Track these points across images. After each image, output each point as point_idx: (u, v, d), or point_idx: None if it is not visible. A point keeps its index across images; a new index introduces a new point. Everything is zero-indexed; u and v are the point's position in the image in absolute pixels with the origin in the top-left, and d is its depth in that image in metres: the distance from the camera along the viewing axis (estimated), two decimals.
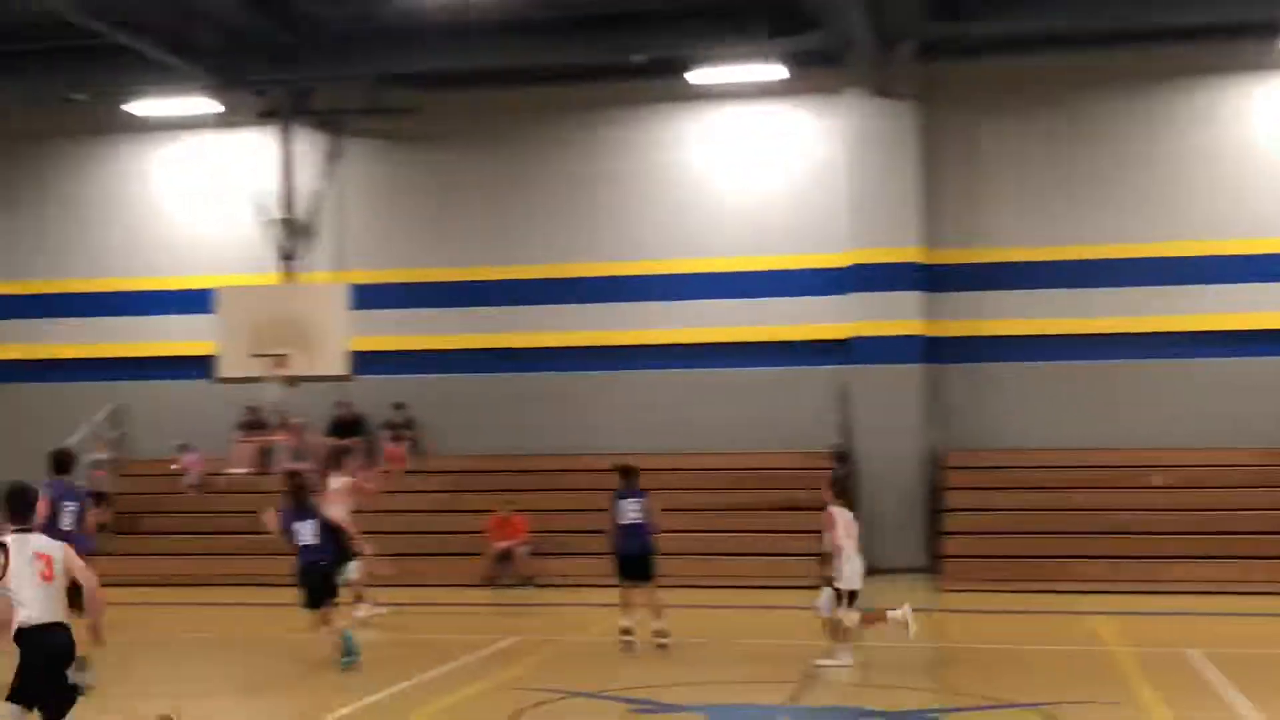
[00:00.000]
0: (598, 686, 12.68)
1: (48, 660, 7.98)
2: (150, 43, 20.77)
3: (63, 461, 13.89)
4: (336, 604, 14.29)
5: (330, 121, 24.10)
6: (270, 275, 23.48)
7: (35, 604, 7.98)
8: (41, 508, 12.20)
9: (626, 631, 14.36)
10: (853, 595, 13.33)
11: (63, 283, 25.67)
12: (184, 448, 24.11)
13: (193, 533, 23.00)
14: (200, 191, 25.28)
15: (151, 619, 18.15)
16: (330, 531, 14.36)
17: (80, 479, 13.69)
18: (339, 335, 21.55)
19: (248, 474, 24.01)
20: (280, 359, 21.47)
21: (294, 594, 14.03)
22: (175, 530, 23.24)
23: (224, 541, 22.17)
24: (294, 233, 23.56)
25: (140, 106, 23.97)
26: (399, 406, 24.21)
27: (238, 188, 24.00)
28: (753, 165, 23.95)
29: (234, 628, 17.71)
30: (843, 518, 13.42)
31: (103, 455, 23.80)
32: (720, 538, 21.38)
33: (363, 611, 16.90)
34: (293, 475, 15.74)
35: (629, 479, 14.65)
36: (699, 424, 23.52)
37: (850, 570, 13.28)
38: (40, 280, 25.76)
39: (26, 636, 7.96)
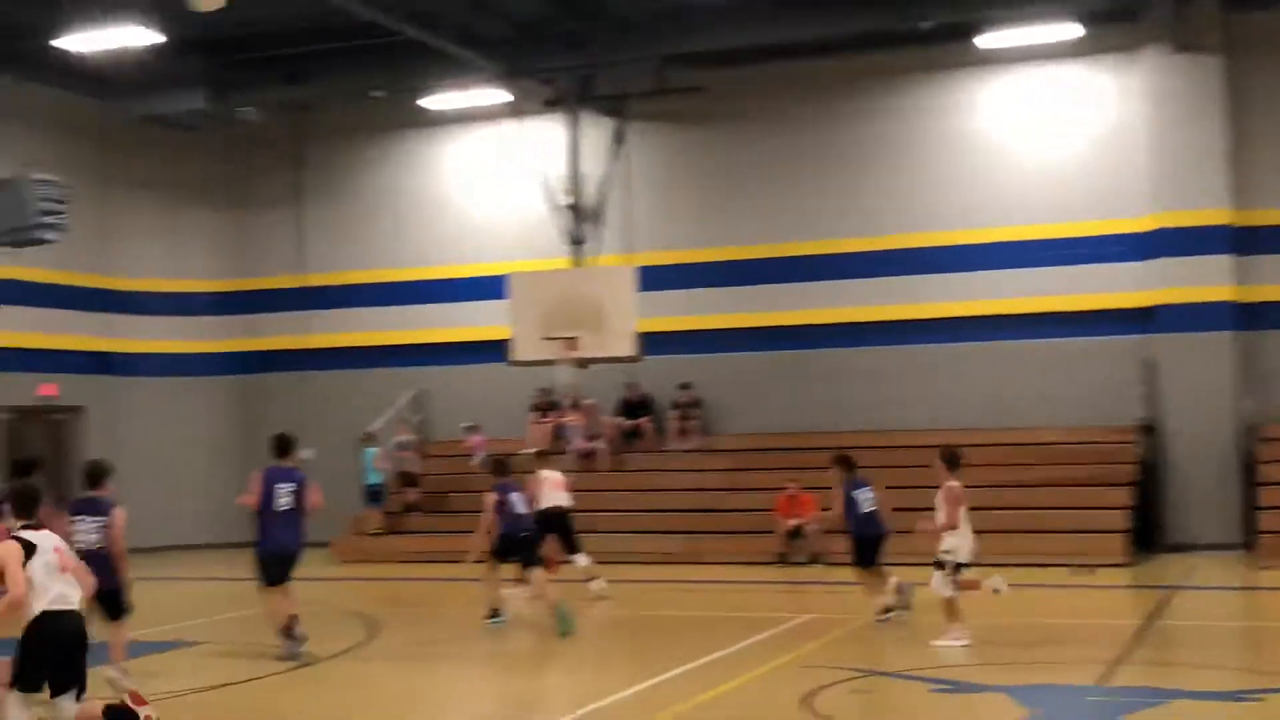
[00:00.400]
0: (894, 666, 12.45)
1: (68, 644, 8.63)
2: (443, 37, 21.37)
3: (281, 446, 14.09)
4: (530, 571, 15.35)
5: (615, 106, 24.35)
6: (560, 260, 23.90)
7: (52, 593, 8.59)
8: (254, 488, 12.75)
9: (886, 610, 14.57)
10: (959, 568, 13.19)
11: (370, 273, 26.74)
12: (471, 429, 24.80)
13: (480, 511, 23.51)
14: (492, 181, 25.97)
15: (447, 594, 18.73)
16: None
17: (293, 462, 14.01)
18: (627, 317, 21.76)
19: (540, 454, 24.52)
20: (571, 341, 21.83)
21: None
22: (471, 509, 23.87)
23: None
24: (582, 217, 23.91)
25: (434, 100, 24.72)
26: (684, 386, 24.34)
27: (527, 175, 24.51)
28: (1048, 129, 23.13)
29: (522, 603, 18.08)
30: (958, 491, 13.21)
31: (408, 437, 24.71)
32: (1026, 515, 20.65)
33: (595, 585, 17.49)
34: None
35: (853, 469, 15.09)
36: (994, 398, 22.90)
37: (963, 544, 13.18)
38: (350, 271, 26.89)
39: (46, 623, 8.53)
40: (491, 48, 22.32)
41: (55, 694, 8.55)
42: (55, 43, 20.73)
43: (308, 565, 22.44)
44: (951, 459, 13.36)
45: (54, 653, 8.55)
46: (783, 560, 21.03)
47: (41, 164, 22.75)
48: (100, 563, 10.78)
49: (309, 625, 15.58)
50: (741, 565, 20.72)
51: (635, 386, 24.48)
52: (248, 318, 27.63)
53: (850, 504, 14.79)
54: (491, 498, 15.48)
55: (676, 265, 24.47)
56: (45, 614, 8.50)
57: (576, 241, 23.89)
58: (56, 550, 8.75)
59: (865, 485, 14.95)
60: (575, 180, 23.87)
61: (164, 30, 20.52)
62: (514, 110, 24.23)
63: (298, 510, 13.72)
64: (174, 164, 27.09)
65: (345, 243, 26.99)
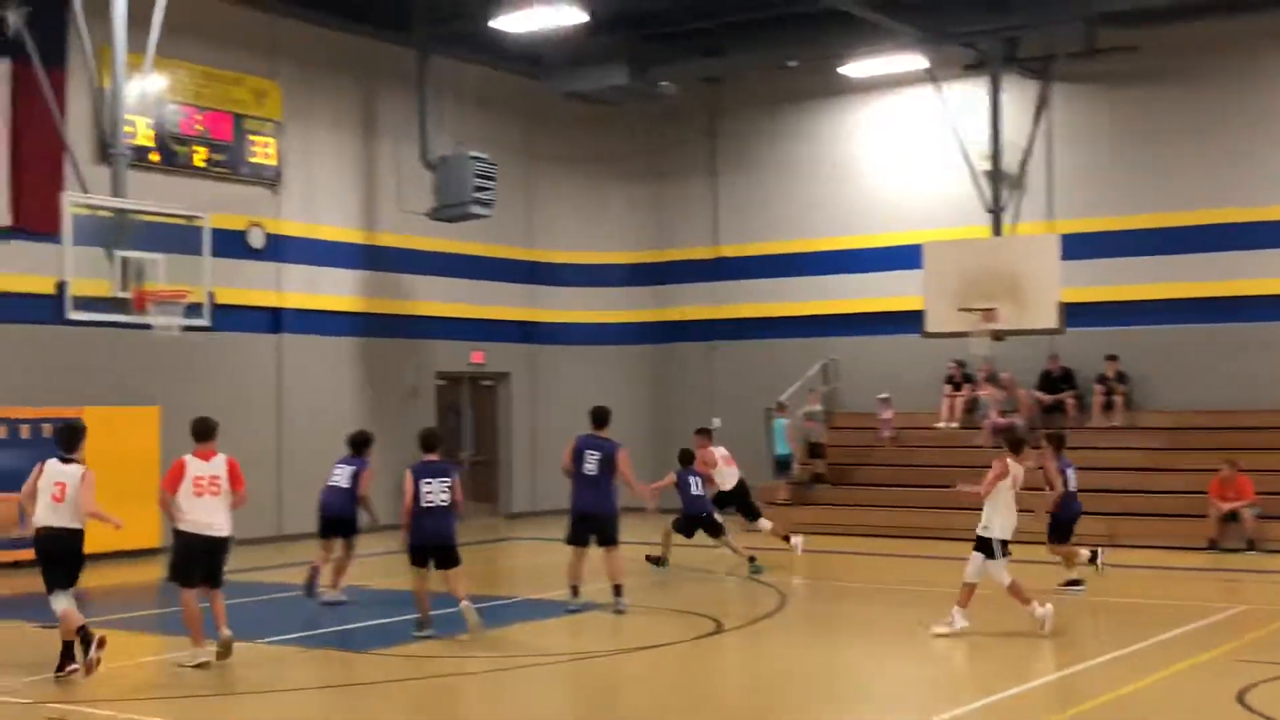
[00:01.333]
0: None
1: (206, 551, 11.84)
2: (862, 4, 21.11)
3: (597, 417, 14.85)
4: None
5: (1040, 68, 23.48)
6: (978, 228, 23.29)
7: (194, 513, 11.70)
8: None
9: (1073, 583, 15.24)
10: (1005, 545, 13.10)
11: (782, 244, 26.83)
12: (884, 401, 24.50)
13: (889, 485, 23.36)
14: (906, 148, 25.57)
15: (853, 566, 18.58)
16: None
17: (606, 433, 14.63)
18: (1050, 287, 21.01)
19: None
20: (988, 313, 21.25)
21: None
22: (876, 482, 23.72)
23: (917, 495, 22.39)
24: (1002, 184, 23.19)
25: (852, 68, 24.51)
26: (1110, 358, 23.24)
27: (943, 142, 24.00)
28: None
29: (934, 577, 17.73)
30: (1016, 471, 13.17)
31: (816, 408, 24.67)
32: None
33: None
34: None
35: (1064, 446, 15.99)
36: None
37: (1006, 522, 13.10)
38: (763, 242, 27.07)
39: (185, 536, 11.80)
40: (911, 12, 21.90)
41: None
42: (491, 24, 21.75)
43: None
44: (1014, 439, 13.63)
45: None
46: (1214, 546, 19.83)
47: (474, 141, 23.97)
48: (445, 517, 13.04)
49: (722, 594, 15.83)
50: (1169, 550, 19.64)
51: (1056, 359, 23.58)
52: (660, 288, 28.24)
53: (1064, 481, 15.71)
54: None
55: (1101, 233, 23.39)
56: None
57: (995, 209, 23.20)
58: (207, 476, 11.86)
59: (1071, 465, 16.05)
60: (996, 146, 23.18)
61: (589, 8, 21.19)
62: (931, 75, 23.72)
63: (601, 476, 14.66)
64: (594, 139, 27.96)
65: (758, 214, 27.17)
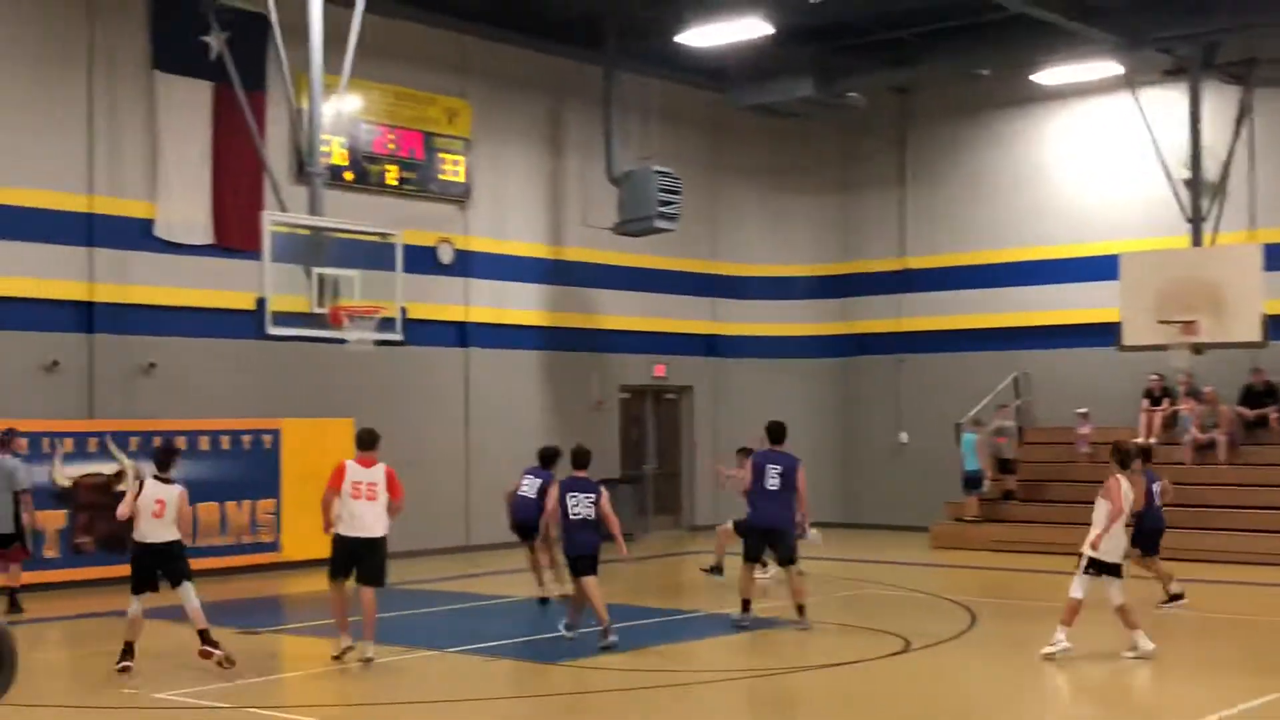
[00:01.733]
0: None
1: (357, 551, 12.60)
2: (1055, 10, 20.64)
3: (774, 433, 14.97)
4: None
5: (1240, 73, 22.66)
6: (1177, 238, 22.56)
7: (349, 515, 12.54)
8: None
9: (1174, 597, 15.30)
10: (1112, 568, 12.70)
11: (971, 255, 26.38)
12: (1082, 416, 23.87)
13: (1083, 501, 22.56)
14: (1101, 156, 24.92)
15: (1045, 586, 18.10)
16: None
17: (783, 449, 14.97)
18: (1252, 298, 20.24)
19: (1151, 445, 23.31)
20: (1188, 325, 20.56)
21: None
22: (1070, 499, 23.06)
23: None
24: (1202, 192, 22.42)
25: (1045, 75, 23.98)
26: None
27: (1140, 150, 23.31)
28: None
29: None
30: (1124, 486, 12.82)
31: (1007, 423, 24.15)
32: None
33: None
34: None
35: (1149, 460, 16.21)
36: None
37: (1113, 542, 12.76)
38: (949, 254, 26.65)
39: (340, 537, 12.70)
40: (1107, 18, 21.32)
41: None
42: (677, 39, 21.84)
43: (904, 549, 22.66)
44: (1121, 454, 13.17)
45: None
46: None
47: (659, 156, 24.08)
48: (591, 529, 13.46)
49: (908, 611, 15.59)
50: None
51: (1261, 373, 22.69)
52: (845, 301, 27.98)
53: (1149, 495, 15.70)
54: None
55: None
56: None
57: (1195, 219, 22.44)
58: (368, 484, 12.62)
59: (1157, 478, 16.17)
60: (1195, 153, 22.42)
61: (774, 21, 21.12)
62: (1128, 82, 23.07)
63: (782, 492, 14.67)
64: (779, 151, 27.86)
65: (946, 224, 26.75)
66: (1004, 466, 23.94)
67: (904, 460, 26.79)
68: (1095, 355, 23.96)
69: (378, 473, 12.76)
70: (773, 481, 14.67)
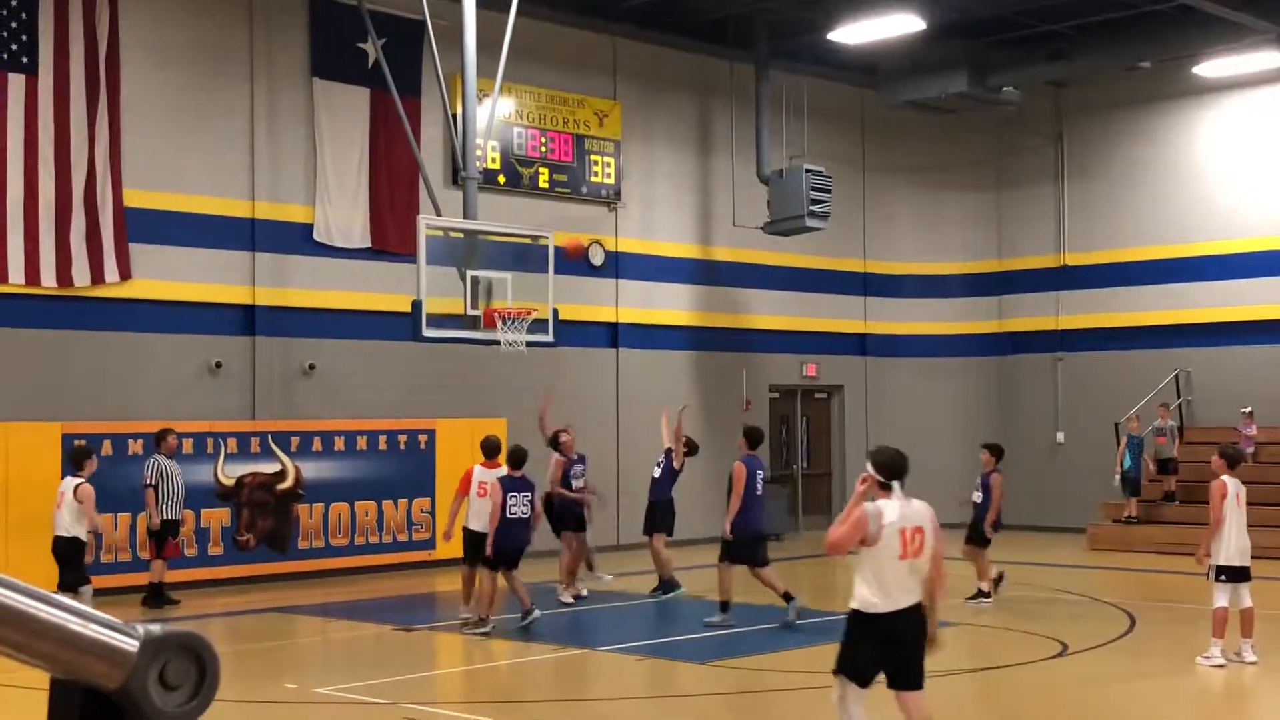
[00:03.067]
0: None
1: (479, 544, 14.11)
2: (1217, 1, 20.08)
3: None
4: None
5: None
6: None
7: (476, 511, 14.39)
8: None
9: None
10: (1238, 573, 12.33)
11: (1129, 251, 25.79)
12: (1247, 415, 23.18)
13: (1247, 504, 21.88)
14: (1263, 149, 24.18)
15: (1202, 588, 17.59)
16: None
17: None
18: None
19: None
20: None
21: None
22: None
23: (1277, 514, 21.16)
24: None
25: (1206, 68, 23.34)
26: None
27: None
28: None
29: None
30: (1232, 488, 12.51)
31: (1168, 423, 23.56)
32: None
33: None
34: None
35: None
36: None
37: (1232, 547, 12.36)
38: (1107, 250, 26.09)
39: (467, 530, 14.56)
40: (1268, 7, 20.68)
41: None
42: (829, 36, 21.72)
43: (1060, 551, 22.24)
44: (1229, 456, 12.95)
45: None
46: None
47: (809, 154, 23.97)
48: (524, 526, 14.12)
49: (1066, 614, 15.34)
50: None
51: None
52: (1001, 298, 27.55)
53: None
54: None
55: None
56: None
57: None
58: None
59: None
60: None
61: (927, 16, 20.88)
62: None
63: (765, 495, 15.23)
64: (932, 147, 27.53)
65: (1103, 220, 26.18)
66: (1164, 467, 23.36)
67: (1061, 460, 26.29)
68: (1259, 353, 23.31)
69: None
70: (760, 488, 14.84)
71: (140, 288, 18.32)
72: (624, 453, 23.20)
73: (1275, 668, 12.51)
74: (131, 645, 1.92)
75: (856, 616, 7.78)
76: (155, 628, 1.97)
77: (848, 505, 7.83)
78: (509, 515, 13.98)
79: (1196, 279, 24.80)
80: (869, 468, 7.89)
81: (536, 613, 14.20)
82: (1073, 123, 26.60)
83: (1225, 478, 12.70)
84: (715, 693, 11.86)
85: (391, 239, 20.21)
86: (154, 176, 18.54)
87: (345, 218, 20.10)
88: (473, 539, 14.49)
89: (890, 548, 7.60)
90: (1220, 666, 12.26)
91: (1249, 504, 21.64)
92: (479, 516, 14.35)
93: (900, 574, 7.64)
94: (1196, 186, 25.05)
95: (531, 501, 14.25)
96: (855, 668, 7.74)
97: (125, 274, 18.07)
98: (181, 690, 1.95)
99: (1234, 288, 24.21)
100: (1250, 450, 23.00)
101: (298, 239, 19.77)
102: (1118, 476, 23.28)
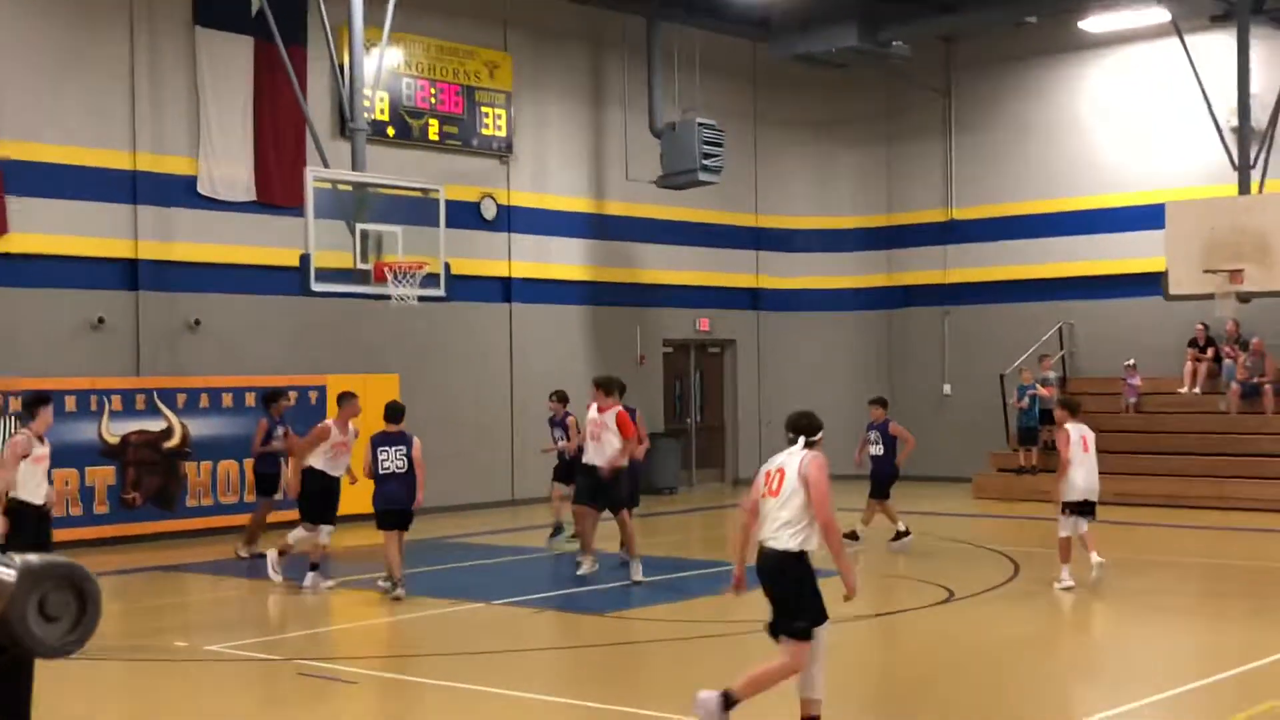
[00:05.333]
0: None
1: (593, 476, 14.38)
2: None
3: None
4: None
5: None
6: (1224, 187, 22.28)
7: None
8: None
9: None
10: (1082, 508, 13.81)
11: (1016, 205, 26.16)
12: (1130, 367, 23.70)
13: (1126, 452, 22.46)
14: (1147, 105, 24.62)
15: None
16: None
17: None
18: None
19: (1196, 395, 23.20)
20: (1235, 274, 20.32)
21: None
22: (1114, 449, 22.93)
23: (1156, 462, 21.67)
24: (1250, 140, 22.11)
25: (1091, 23, 23.68)
26: None
27: (1187, 98, 22.98)
28: None
29: (1170, 545, 17.14)
30: (1076, 433, 13.79)
31: (1050, 374, 24.00)
32: None
33: None
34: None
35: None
36: None
37: (1079, 485, 13.77)
38: (994, 204, 26.43)
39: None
40: None
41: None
42: None
43: (948, 500, 22.61)
44: (1068, 405, 14.30)
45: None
46: None
47: (701, 108, 23.95)
48: (399, 482, 13.53)
49: (953, 561, 15.59)
50: None
51: None
52: (890, 253, 27.83)
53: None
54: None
55: None
56: None
57: (1243, 166, 22.14)
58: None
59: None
60: (1243, 100, 22.09)
61: None
62: (1175, 28, 22.72)
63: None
64: (824, 102, 27.66)
65: (992, 175, 26.51)
66: (1046, 418, 23.78)
67: (948, 412, 26.70)
68: (1141, 305, 23.78)
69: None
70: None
71: (18, 242, 17.86)
72: (518, 407, 23.14)
73: (1161, 607, 12.81)
74: (9, 575, 1.87)
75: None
76: (34, 558, 1.92)
77: None
78: (381, 472, 13.66)
79: (1080, 233, 25.24)
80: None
81: (401, 590, 13.54)
82: (961, 78, 26.87)
83: (1069, 425, 13.86)
84: (614, 643, 11.89)
85: (278, 192, 19.88)
86: (31, 127, 18.05)
87: (230, 170, 19.73)
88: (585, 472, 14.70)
89: (757, 485, 8.12)
90: (1069, 589, 13.52)
91: (1131, 452, 22.25)
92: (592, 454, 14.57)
93: (769, 509, 7.98)
94: (1081, 141, 25.46)
95: (409, 454, 13.61)
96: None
97: (2, 228, 17.60)
98: (62, 622, 1.91)
99: (1116, 241, 24.67)
100: (1133, 400, 23.58)
101: (181, 191, 19.37)
102: (1015, 427, 23.73)
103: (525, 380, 23.24)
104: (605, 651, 11.64)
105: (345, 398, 14.60)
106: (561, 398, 17.81)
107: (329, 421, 14.54)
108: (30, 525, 11.24)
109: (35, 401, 11.63)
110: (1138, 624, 12.75)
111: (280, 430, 16.72)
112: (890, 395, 26.23)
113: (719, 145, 23.37)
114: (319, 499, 14.31)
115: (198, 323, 19.45)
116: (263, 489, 16.83)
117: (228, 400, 19.08)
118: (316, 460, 14.33)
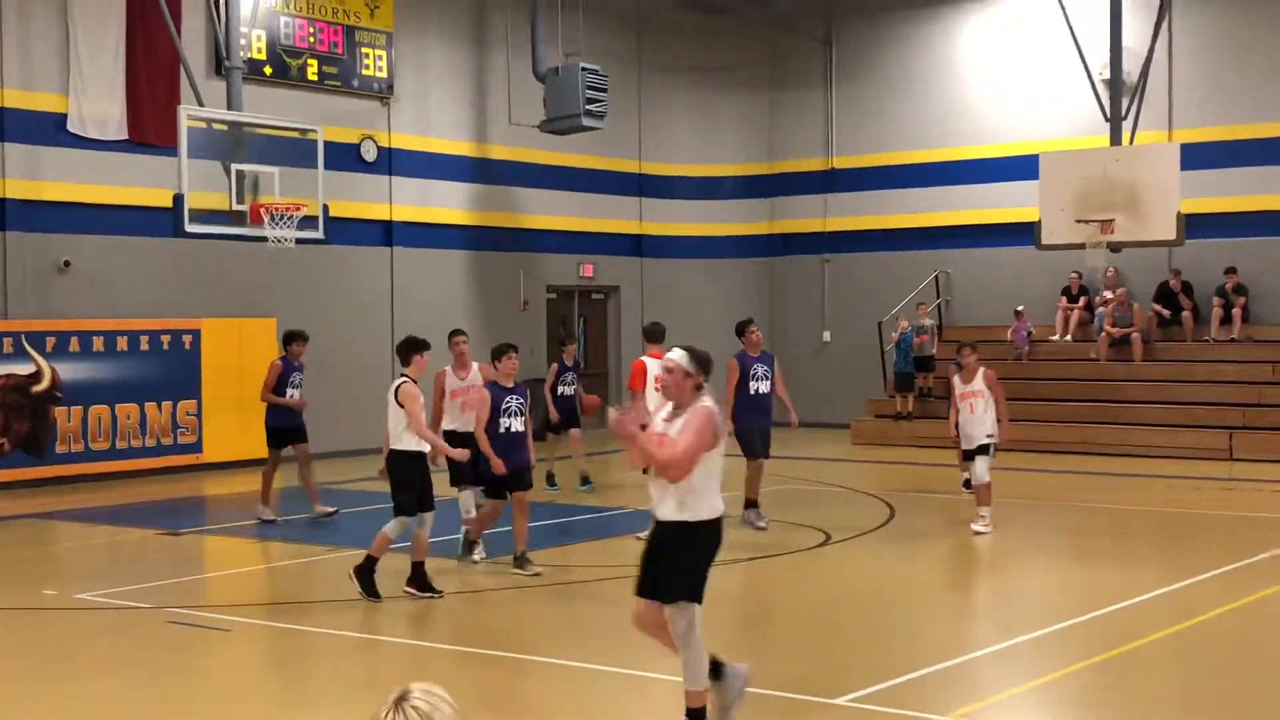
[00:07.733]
0: None
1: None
2: None
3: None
4: None
5: None
6: (1096, 138, 22.70)
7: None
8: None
9: None
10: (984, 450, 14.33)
11: (895, 155, 26.45)
12: (1020, 314, 24.08)
13: (1014, 399, 22.95)
14: (1023, 56, 24.98)
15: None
16: None
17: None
18: (1169, 198, 20.43)
19: (1068, 342, 23.75)
20: (1106, 224, 20.75)
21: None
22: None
23: (1043, 409, 22.15)
24: (1121, 92, 22.54)
25: None
26: (1229, 272, 22.67)
27: (1060, 49, 23.32)
28: None
29: (1038, 489, 17.59)
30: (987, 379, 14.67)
31: (926, 322, 24.38)
32: None
33: None
34: None
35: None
36: None
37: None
38: (873, 154, 26.70)
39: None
40: None
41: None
42: None
43: (826, 446, 22.93)
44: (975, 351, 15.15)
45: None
46: None
47: (585, 52, 23.83)
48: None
49: (830, 505, 15.84)
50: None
51: (1176, 272, 23.07)
52: (772, 200, 28.00)
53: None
54: None
55: (1222, 142, 22.75)
56: None
57: (1114, 118, 22.57)
58: None
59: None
60: (1115, 53, 22.49)
61: None
62: None
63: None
64: (707, 49, 27.66)
65: (872, 124, 26.76)
66: (923, 365, 24.21)
67: (827, 359, 27.03)
68: (1016, 254, 24.18)
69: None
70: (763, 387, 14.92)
71: None
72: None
73: (1030, 550, 13.13)
74: None
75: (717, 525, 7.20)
76: None
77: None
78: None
79: (957, 183, 25.60)
80: (690, 366, 7.17)
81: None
82: (842, 27, 27.02)
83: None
84: (453, 592, 11.92)
85: (151, 131, 19.44)
86: None
87: (101, 108, 19.25)
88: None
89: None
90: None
91: (1010, 399, 22.72)
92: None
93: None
94: (959, 92, 25.77)
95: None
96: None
97: None
98: None
99: (992, 191, 25.07)
100: (1025, 349, 24.02)
101: (50, 129, 18.87)
102: (893, 374, 24.10)
103: (406, 325, 22.99)
104: (469, 597, 11.67)
105: (415, 345, 12.42)
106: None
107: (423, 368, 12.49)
108: None
109: None
110: (1016, 566, 13.06)
111: (298, 378, 15.39)
112: (770, 342, 26.59)
113: (603, 90, 23.29)
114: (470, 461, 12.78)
115: (67, 264, 19.01)
116: (274, 441, 15.33)
117: (99, 344, 18.72)
118: (449, 421, 13.30)
